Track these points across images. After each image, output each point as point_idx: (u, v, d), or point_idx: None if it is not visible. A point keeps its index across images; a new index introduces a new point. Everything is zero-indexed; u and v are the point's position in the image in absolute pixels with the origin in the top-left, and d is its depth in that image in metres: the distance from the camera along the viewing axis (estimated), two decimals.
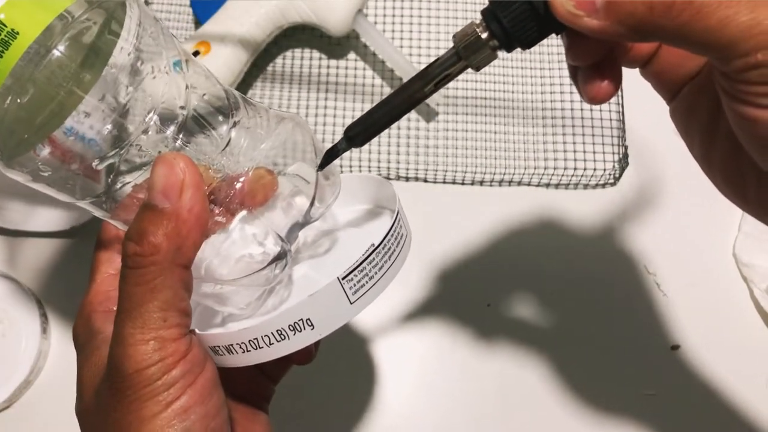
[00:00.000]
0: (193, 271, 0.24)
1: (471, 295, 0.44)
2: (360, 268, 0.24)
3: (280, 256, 0.26)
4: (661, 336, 0.43)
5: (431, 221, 0.46)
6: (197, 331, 0.25)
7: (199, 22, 0.49)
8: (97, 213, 0.26)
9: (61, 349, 0.44)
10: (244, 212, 0.26)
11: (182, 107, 0.24)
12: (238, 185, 0.25)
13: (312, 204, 0.27)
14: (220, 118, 0.25)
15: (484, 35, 0.22)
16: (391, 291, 0.44)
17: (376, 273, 0.25)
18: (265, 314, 0.27)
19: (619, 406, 0.42)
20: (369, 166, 0.46)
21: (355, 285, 0.24)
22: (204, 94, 0.25)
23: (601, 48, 0.22)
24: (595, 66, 0.23)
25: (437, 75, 0.23)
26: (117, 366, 0.22)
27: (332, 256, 0.29)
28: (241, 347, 0.24)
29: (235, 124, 0.26)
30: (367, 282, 0.24)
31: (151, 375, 0.21)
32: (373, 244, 0.25)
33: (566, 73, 0.49)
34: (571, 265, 0.45)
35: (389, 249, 0.25)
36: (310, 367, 0.31)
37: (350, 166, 0.46)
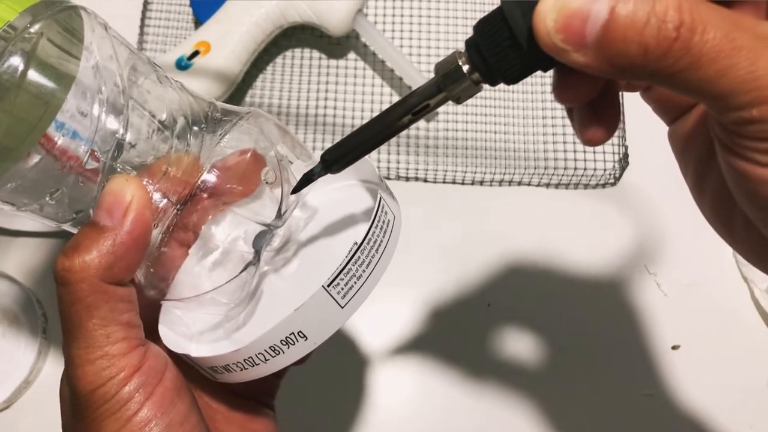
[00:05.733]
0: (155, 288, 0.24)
1: (471, 295, 0.44)
2: (345, 270, 0.23)
3: (251, 262, 0.25)
4: (661, 336, 0.43)
5: (431, 221, 0.46)
6: (193, 354, 0.24)
7: (199, 22, 0.49)
8: None
9: (61, 350, 0.43)
10: (210, 219, 0.25)
11: (154, 115, 0.24)
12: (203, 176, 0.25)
13: (282, 200, 0.25)
14: (190, 124, 0.25)
15: (466, 67, 0.20)
16: (391, 291, 0.44)
17: (364, 271, 0.23)
18: (257, 323, 0.26)
19: (618, 406, 0.42)
20: None
21: (343, 289, 0.23)
22: (175, 103, 0.25)
23: (592, 90, 0.21)
24: (591, 106, 0.21)
25: (416, 104, 0.21)
26: (72, 388, 0.22)
27: (320, 248, 0.28)
28: (237, 366, 0.23)
29: (200, 129, 0.25)
30: (356, 282, 0.23)
31: (104, 393, 0.21)
32: (356, 243, 0.23)
33: None
34: (571, 265, 0.45)
35: (375, 242, 0.24)
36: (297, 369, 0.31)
37: None
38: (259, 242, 0.26)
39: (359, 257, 0.23)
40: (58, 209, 0.23)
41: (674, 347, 0.43)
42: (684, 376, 0.42)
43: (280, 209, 0.25)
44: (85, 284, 0.21)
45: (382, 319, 0.43)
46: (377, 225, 0.24)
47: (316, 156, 0.24)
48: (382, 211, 0.24)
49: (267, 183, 0.25)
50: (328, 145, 0.47)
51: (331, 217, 0.28)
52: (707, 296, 0.44)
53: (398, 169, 0.47)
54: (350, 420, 0.41)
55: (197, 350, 0.25)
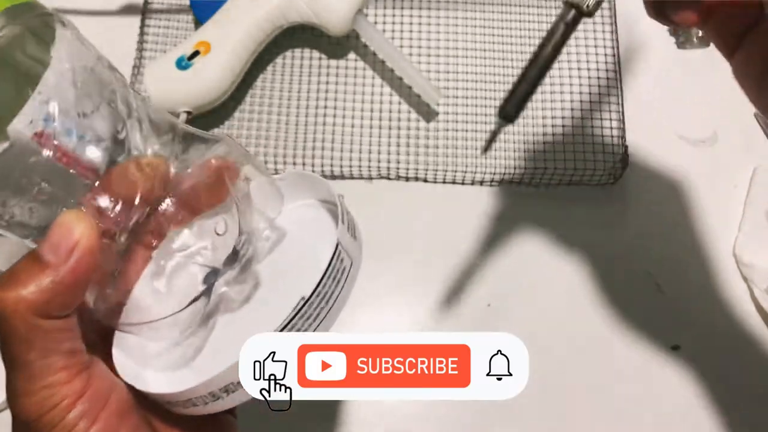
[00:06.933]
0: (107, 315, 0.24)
1: (471, 295, 0.44)
2: (290, 325, 0.22)
3: (202, 294, 0.25)
4: (661, 336, 0.43)
5: (431, 221, 0.46)
6: (150, 390, 0.24)
7: (199, 22, 0.49)
8: None
9: None
10: (163, 244, 0.25)
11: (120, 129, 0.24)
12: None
13: (240, 231, 0.25)
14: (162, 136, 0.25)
15: None
16: (390, 292, 0.44)
17: (310, 325, 0.23)
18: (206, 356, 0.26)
19: (619, 406, 0.42)
20: (369, 166, 0.46)
21: None
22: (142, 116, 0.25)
23: None
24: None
25: (554, 31, 0.24)
26: (16, 416, 0.22)
27: (273, 288, 0.27)
28: (193, 402, 0.24)
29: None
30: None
31: (49, 421, 0.21)
32: (303, 298, 0.23)
33: (567, 73, 0.49)
34: (570, 265, 0.45)
35: (325, 294, 0.23)
36: None
37: (350, 166, 0.46)
38: (210, 278, 0.25)
39: (306, 311, 0.23)
40: (24, 218, 0.23)
41: (674, 347, 0.43)
42: (684, 376, 0.42)
43: (232, 255, 0.25)
44: (19, 320, 0.21)
45: (381, 320, 0.43)
46: (330, 275, 0.24)
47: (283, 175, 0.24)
48: (337, 259, 0.24)
49: (218, 234, 0.25)
50: (327, 145, 0.47)
51: (289, 252, 0.28)
52: (707, 296, 0.44)
53: (398, 169, 0.47)
54: (350, 418, 0.41)
55: (144, 384, 0.25)
